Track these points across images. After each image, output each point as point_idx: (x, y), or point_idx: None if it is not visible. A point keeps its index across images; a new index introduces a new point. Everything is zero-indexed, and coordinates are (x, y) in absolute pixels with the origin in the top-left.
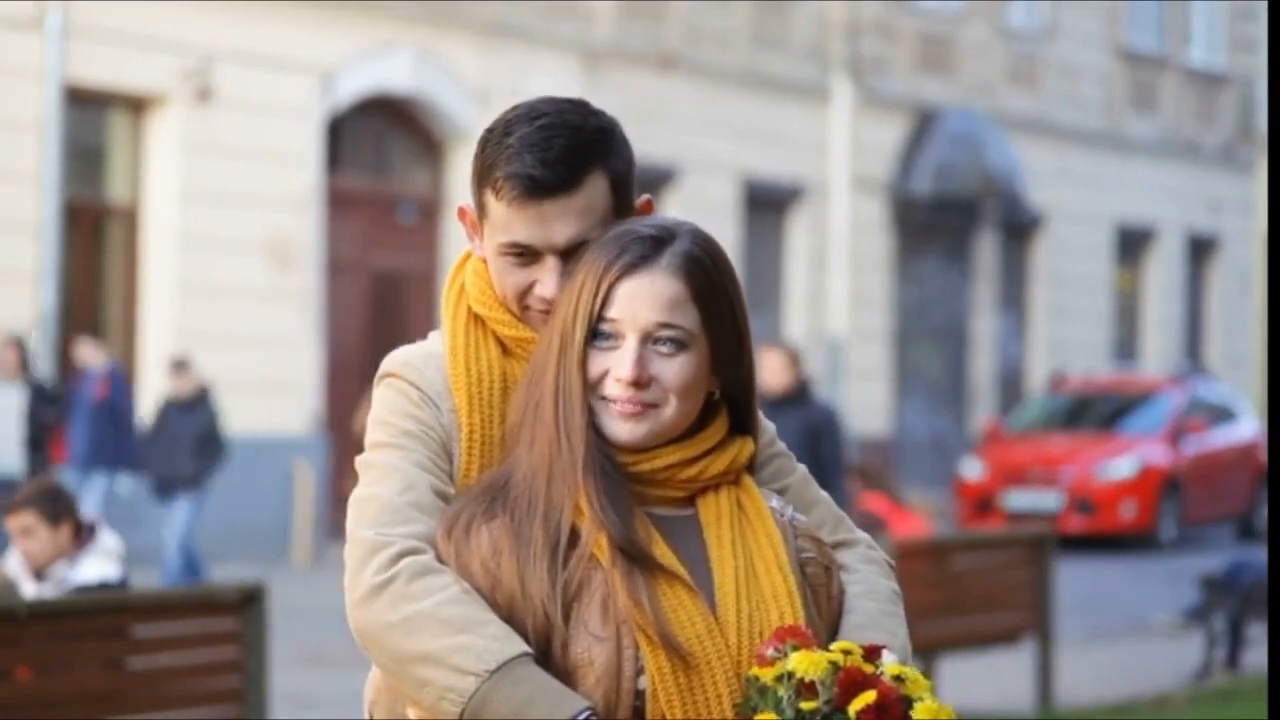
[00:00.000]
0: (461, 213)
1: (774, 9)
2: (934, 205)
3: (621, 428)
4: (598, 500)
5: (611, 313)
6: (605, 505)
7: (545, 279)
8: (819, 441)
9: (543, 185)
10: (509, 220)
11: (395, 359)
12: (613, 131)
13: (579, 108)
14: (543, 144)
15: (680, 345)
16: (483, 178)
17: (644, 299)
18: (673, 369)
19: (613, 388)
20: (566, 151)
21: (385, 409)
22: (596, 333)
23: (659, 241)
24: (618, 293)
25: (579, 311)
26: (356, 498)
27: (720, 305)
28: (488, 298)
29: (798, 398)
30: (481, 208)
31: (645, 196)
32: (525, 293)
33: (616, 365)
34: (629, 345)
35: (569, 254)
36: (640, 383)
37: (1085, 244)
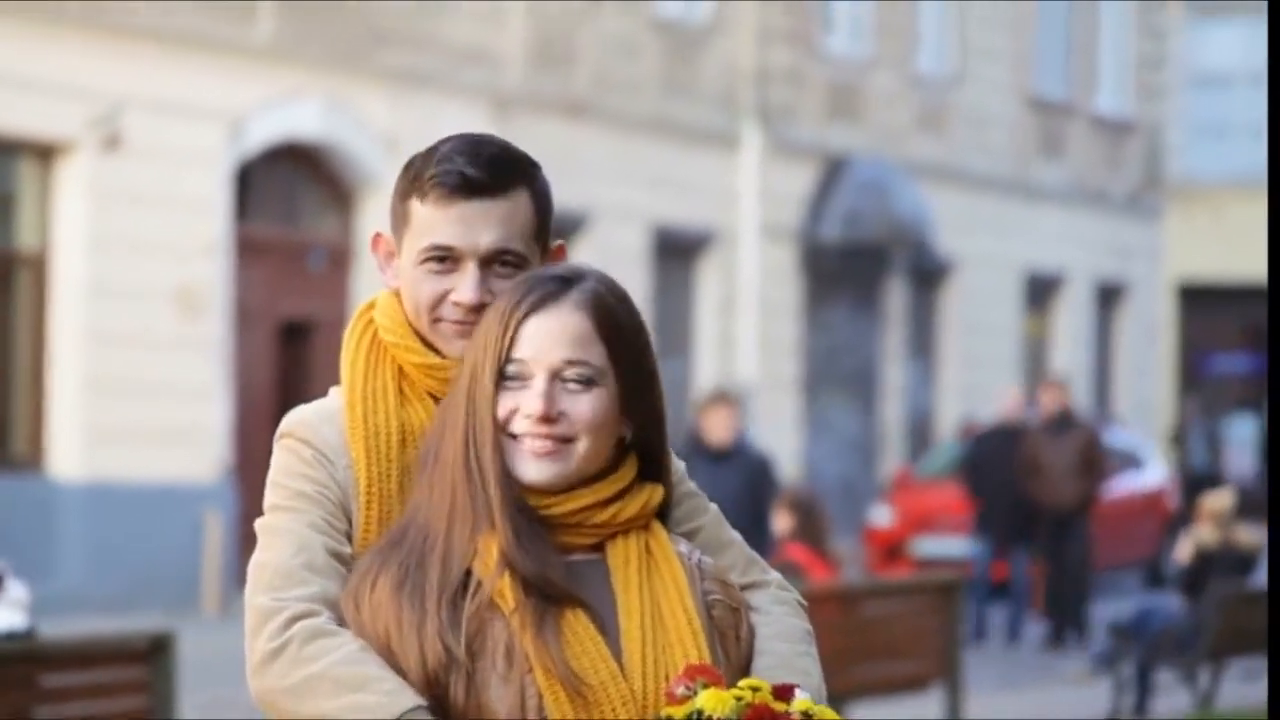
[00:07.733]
0: (376, 241)
1: (683, 56)
2: (843, 252)
3: (533, 467)
4: (514, 542)
5: (519, 353)
6: (523, 546)
7: (462, 285)
8: (760, 491)
9: (472, 183)
10: (433, 222)
11: (290, 418)
12: (538, 164)
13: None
14: (473, 149)
15: (588, 382)
16: (408, 191)
17: (551, 336)
18: (582, 405)
19: (521, 424)
20: (496, 157)
21: (279, 471)
22: (505, 374)
23: (566, 281)
24: (524, 331)
25: (487, 352)
26: (252, 564)
27: (627, 343)
28: (398, 325)
29: (739, 449)
30: (405, 220)
31: (559, 242)
32: (439, 303)
33: (525, 403)
34: (538, 383)
35: (488, 265)
36: (549, 418)
37: (994, 291)
